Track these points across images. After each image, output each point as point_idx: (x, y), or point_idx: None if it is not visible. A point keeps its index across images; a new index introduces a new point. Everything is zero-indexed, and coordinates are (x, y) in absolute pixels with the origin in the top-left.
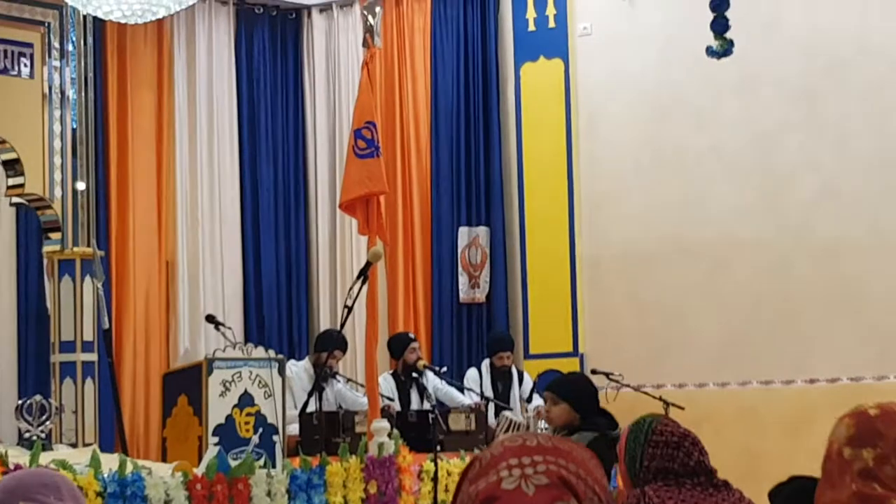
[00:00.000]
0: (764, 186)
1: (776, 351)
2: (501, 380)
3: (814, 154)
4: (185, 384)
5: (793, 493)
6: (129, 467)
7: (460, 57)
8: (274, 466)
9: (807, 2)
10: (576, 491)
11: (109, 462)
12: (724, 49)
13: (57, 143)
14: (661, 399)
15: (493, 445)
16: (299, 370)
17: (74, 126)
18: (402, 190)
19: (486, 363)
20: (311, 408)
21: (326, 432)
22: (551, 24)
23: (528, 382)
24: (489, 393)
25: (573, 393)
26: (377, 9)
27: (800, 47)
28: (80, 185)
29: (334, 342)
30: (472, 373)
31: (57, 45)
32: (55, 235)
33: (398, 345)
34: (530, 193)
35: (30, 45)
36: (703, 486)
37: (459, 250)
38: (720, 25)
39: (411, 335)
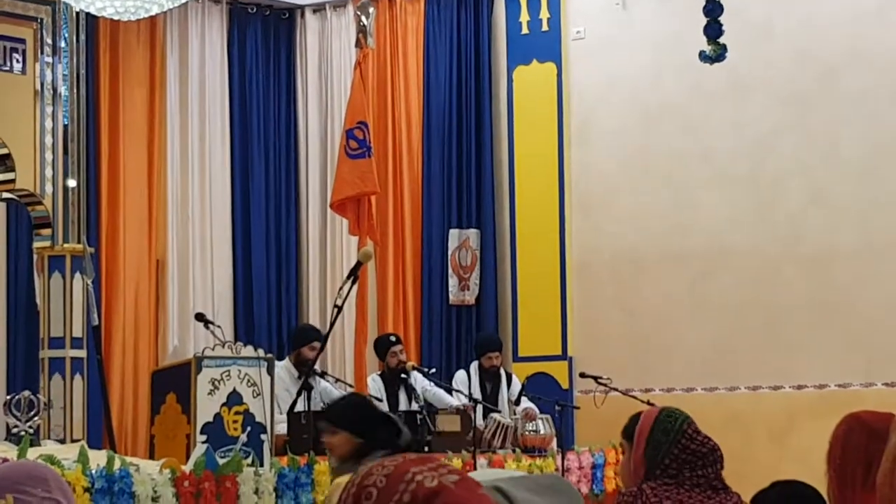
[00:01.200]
0: (754, 192)
1: (764, 357)
2: (490, 381)
3: (804, 160)
4: (173, 382)
5: (778, 499)
6: (117, 463)
7: (453, 59)
8: (262, 465)
9: (799, 8)
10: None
11: (97, 458)
12: (717, 54)
13: (48, 140)
14: (649, 403)
15: (369, 474)
16: (280, 370)
17: (66, 122)
18: (393, 191)
19: (474, 365)
20: (300, 407)
21: (314, 431)
22: (545, 27)
23: (517, 384)
24: (477, 395)
25: (347, 419)
26: (370, 9)
27: (792, 53)
28: (71, 182)
29: (309, 334)
30: (460, 375)
31: (49, 41)
32: (45, 232)
33: (381, 347)
34: (521, 196)
35: (22, 41)
36: (701, 487)
37: (450, 252)
38: (714, 30)
39: (393, 338)
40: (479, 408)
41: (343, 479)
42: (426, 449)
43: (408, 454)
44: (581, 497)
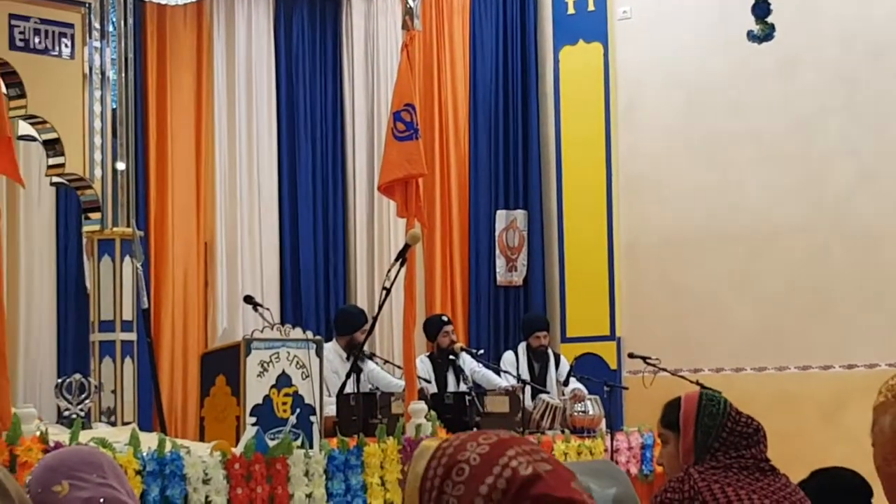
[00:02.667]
0: (801, 172)
1: (814, 336)
2: (538, 361)
3: (852, 140)
4: (223, 364)
5: (819, 489)
6: (168, 446)
7: (499, 40)
8: (311, 447)
9: None
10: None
11: (148, 441)
12: (765, 33)
13: (97, 124)
14: (698, 383)
15: (462, 448)
16: (328, 352)
17: (114, 106)
18: (441, 173)
19: (522, 346)
20: (349, 389)
21: (364, 413)
22: (591, 7)
23: (565, 365)
24: (526, 376)
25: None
26: None
27: (839, 32)
28: (120, 165)
29: (359, 319)
30: (508, 356)
31: (97, 25)
32: (95, 215)
33: (432, 327)
34: (568, 177)
35: (70, 26)
36: (749, 470)
37: (497, 233)
38: (762, 10)
39: (444, 318)
40: (528, 389)
41: (432, 443)
42: (475, 430)
43: (501, 431)
44: (629, 480)
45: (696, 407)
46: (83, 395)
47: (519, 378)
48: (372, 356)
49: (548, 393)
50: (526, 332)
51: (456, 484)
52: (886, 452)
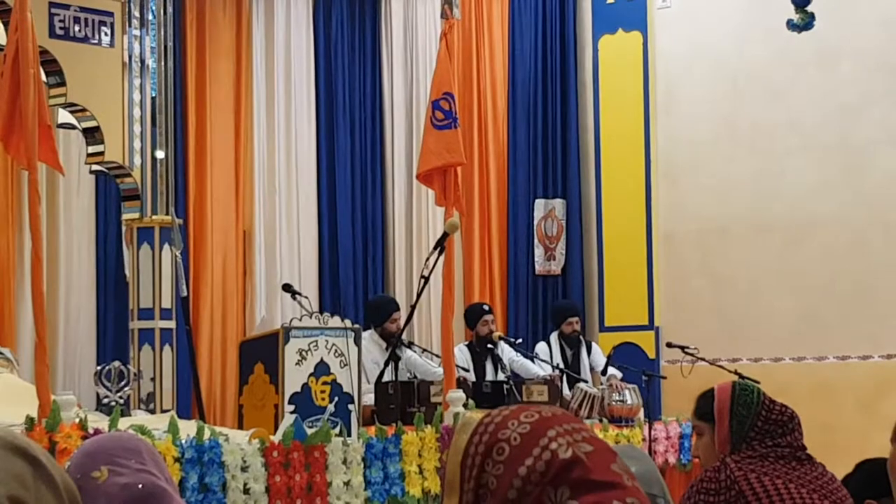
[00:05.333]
0: (841, 161)
1: (853, 326)
2: (571, 348)
3: (893, 128)
4: (261, 352)
5: (865, 478)
6: (207, 433)
7: (538, 28)
8: (349, 435)
9: None
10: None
11: (187, 428)
12: (804, 22)
13: (136, 112)
14: (736, 373)
15: (503, 426)
16: (366, 341)
17: (154, 95)
18: (479, 161)
19: (554, 336)
20: (387, 377)
21: (402, 402)
22: None
23: (599, 353)
24: (559, 364)
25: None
26: None
27: (880, 21)
28: (160, 154)
29: (387, 308)
30: (541, 346)
31: (137, 14)
32: (134, 203)
33: (472, 315)
34: (607, 166)
35: (110, 14)
36: (785, 459)
37: (535, 222)
38: None
39: (486, 307)
40: (564, 377)
41: (476, 416)
42: None
43: (544, 408)
44: (652, 461)
45: (730, 397)
46: (122, 383)
47: (556, 367)
48: (410, 345)
49: (586, 382)
50: (558, 319)
51: (496, 463)
52: None
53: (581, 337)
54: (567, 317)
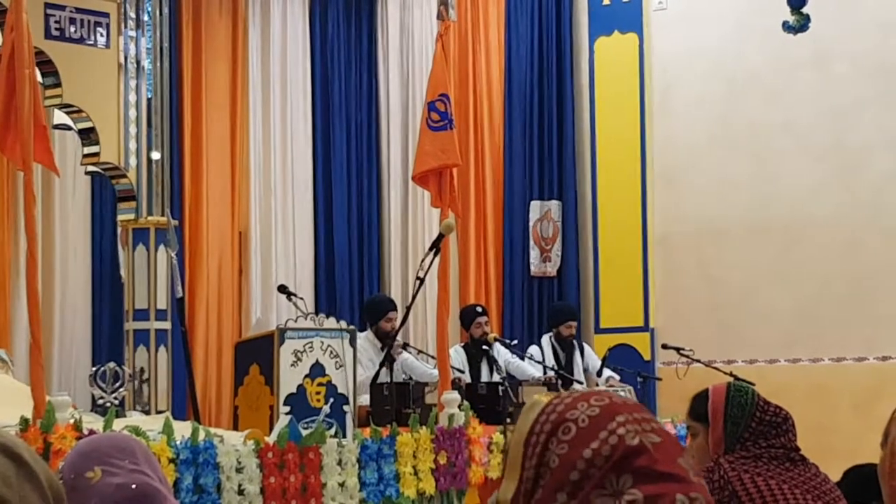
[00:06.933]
0: (837, 163)
1: (848, 328)
2: (564, 350)
3: (888, 131)
4: (256, 353)
5: (853, 484)
6: (202, 435)
7: (534, 30)
8: (345, 436)
9: None
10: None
11: (182, 429)
12: (800, 24)
13: (132, 113)
14: (731, 375)
15: (572, 407)
16: (363, 341)
17: (149, 96)
18: (475, 163)
19: (546, 337)
20: (382, 378)
21: (397, 403)
22: None
23: (592, 355)
24: (552, 365)
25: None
26: None
27: (876, 22)
28: (155, 155)
29: (383, 307)
30: (533, 349)
31: (133, 15)
32: (129, 204)
33: (466, 317)
34: (603, 168)
35: (106, 15)
36: (779, 460)
37: (531, 224)
38: (797, 1)
39: (479, 309)
40: (558, 379)
41: (544, 398)
42: (508, 420)
43: (615, 395)
44: None
45: (724, 398)
46: (117, 384)
47: (550, 368)
48: (405, 346)
49: (581, 383)
50: (556, 321)
51: (561, 442)
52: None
53: (574, 339)
54: (567, 319)
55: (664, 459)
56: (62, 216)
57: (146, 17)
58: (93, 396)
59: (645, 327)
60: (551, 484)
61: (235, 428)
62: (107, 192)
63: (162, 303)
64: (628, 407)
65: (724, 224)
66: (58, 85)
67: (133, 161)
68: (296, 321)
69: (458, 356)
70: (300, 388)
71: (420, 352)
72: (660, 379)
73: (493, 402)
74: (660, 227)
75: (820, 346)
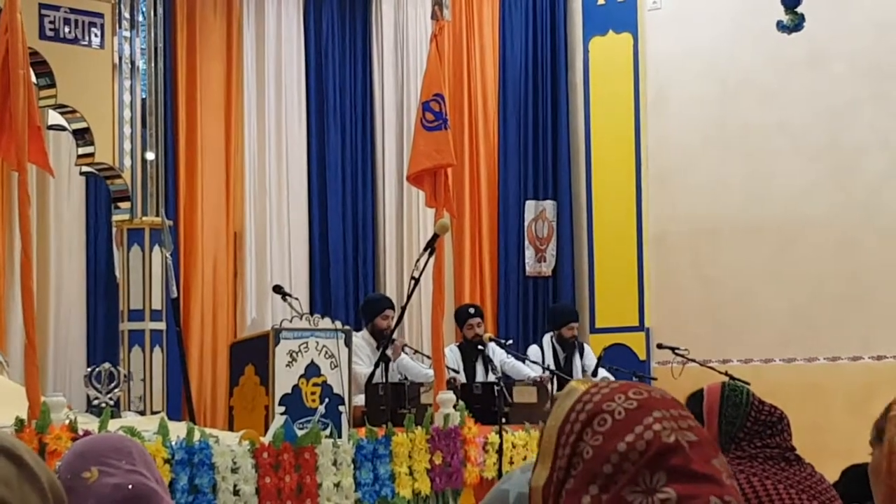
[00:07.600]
0: (832, 163)
1: (843, 327)
2: (565, 351)
3: (883, 131)
4: (252, 354)
5: (847, 484)
6: (197, 435)
7: (529, 30)
8: (340, 436)
9: None
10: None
11: (177, 430)
12: (794, 24)
13: (127, 113)
14: (726, 374)
15: (609, 398)
16: (360, 341)
17: (144, 96)
18: (470, 163)
19: (547, 337)
20: (377, 379)
21: (392, 403)
22: None
23: (591, 355)
24: (552, 366)
25: None
26: None
27: (870, 22)
28: (150, 155)
29: (379, 304)
30: (533, 350)
31: (127, 15)
32: (124, 205)
33: (460, 318)
34: (597, 168)
35: (100, 16)
36: (774, 459)
37: (526, 224)
38: (791, 0)
39: (472, 310)
40: (555, 379)
41: (581, 386)
42: (504, 420)
43: (654, 389)
44: None
45: (719, 397)
46: (112, 385)
47: (547, 368)
48: (405, 347)
49: None
50: (558, 322)
51: (595, 434)
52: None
53: (575, 340)
54: (569, 321)
55: (699, 459)
56: (57, 216)
57: (141, 18)
58: (88, 397)
59: (640, 327)
60: (583, 475)
61: (231, 428)
62: (101, 192)
63: (157, 303)
64: (666, 403)
65: (718, 224)
66: (52, 85)
67: (128, 161)
68: (291, 321)
69: (453, 356)
70: (295, 388)
71: (416, 352)
72: (655, 378)
73: (488, 402)
74: (654, 227)
75: (815, 346)
